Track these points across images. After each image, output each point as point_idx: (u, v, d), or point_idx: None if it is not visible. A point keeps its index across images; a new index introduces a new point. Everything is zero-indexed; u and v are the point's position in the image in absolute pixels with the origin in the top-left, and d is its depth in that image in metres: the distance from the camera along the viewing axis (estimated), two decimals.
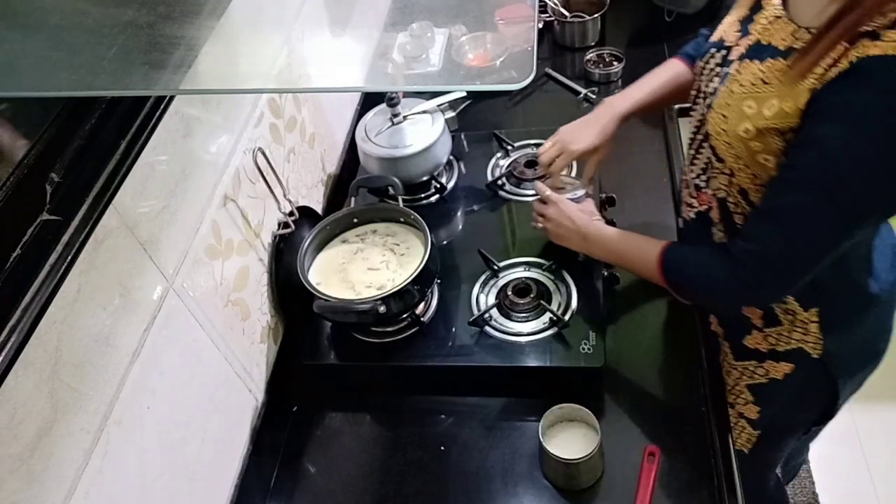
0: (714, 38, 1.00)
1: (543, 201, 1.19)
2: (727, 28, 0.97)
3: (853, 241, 0.85)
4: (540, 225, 1.20)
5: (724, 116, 0.88)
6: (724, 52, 0.95)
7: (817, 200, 0.80)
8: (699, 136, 1.01)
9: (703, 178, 1.01)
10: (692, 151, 1.04)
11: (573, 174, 1.33)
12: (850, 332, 1.03)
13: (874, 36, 0.72)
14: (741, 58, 0.89)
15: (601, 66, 1.72)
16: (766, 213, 0.87)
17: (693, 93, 1.03)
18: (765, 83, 0.83)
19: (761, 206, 0.89)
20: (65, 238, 0.73)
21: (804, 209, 0.82)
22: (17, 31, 0.71)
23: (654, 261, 1.00)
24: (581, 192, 1.21)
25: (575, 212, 1.15)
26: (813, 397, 1.14)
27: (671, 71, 1.20)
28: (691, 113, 1.04)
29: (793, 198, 0.82)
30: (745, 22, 0.92)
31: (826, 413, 1.19)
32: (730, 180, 0.93)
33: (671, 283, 1.00)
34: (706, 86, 0.98)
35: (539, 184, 1.21)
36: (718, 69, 0.95)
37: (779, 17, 0.85)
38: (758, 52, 0.86)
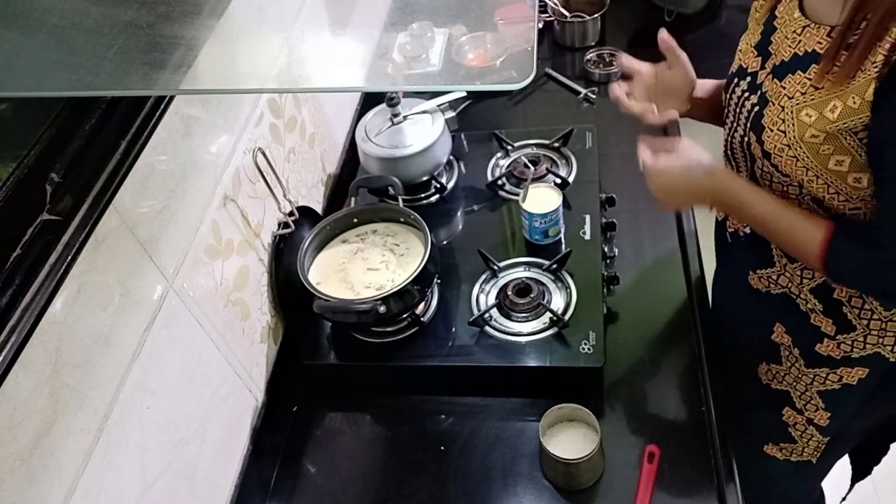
0: (733, 68, 1.00)
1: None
2: (744, 56, 0.98)
3: None
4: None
5: (782, 133, 0.87)
6: (748, 78, 0.95)
7: None
8: (741, 160, 0.99)
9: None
10: (735, 172, 1.02)
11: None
12: None
13: None
14: (776, 76, 0.89)
15: (601, 66, 1.72)
16: None
17: (727, 124, 1.02)
18: (817, 89, 0.83)
19: (890, 209, 0.83)
20: (65, 238, 0.73)
21: None
22: (16, 31, 0.71)
23: (816, 249, 0.88)
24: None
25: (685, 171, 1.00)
26: (886, 401, 1.11)
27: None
28: (725, 144, 1.03)
29: None
30: (763, 46, 0.93)
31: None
32: (800, 191, 0.91)
33: (832, 274, 0.91)
34: (740, 112, 0.97)
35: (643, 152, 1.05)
36: (749, 95, 0.95)
37: (806, 27, 0.86)
38: (797, 64, 0.86)
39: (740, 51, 1.01)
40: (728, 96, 1.01)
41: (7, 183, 0.70)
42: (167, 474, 0.92)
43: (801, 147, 0.85)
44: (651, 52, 1.68)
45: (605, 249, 1.29)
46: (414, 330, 1.22)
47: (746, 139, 0.96)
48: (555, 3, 1.78)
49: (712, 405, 1.09)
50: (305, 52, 0.77)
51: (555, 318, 1.16)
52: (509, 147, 1.51)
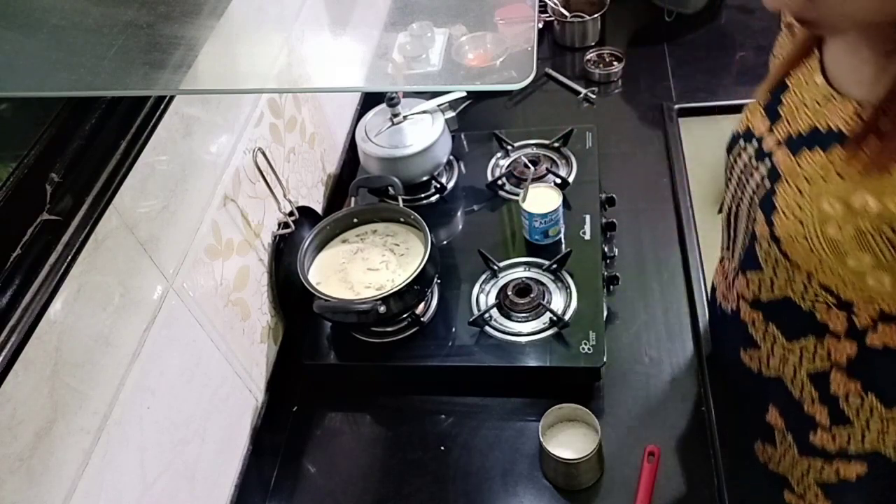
0: (739, 127, 0.89)
1: None
2: (752, 116, 0.86)
3: None
4: None
5: (798, 221, 0.73)
6: (754, 142, 0.83)
7: None
8: (741, 233, 0.89)
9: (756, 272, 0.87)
10: (730, 244, 0.94)
11: None
12: None
13: None
14: (791, 149, 0.76)
15: (601, 66, 1.72)
16: None
17: (728, 189, 0.91)
18: (842, 177, 0.69)
19: None
20: (65, 238, 0.73)
21: None
22: (16, 31, 0.71)
23: None
24: None
25: None
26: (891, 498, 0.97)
27: None
28: (725, 208, 0.94)
29: None
30: (771, 105, 0.82)
31: None
32: (808, 279, 0.79)
33: None
34: (745, 182, 0.85)
35: None
36: (756, 164, 0.82)
37: (831, 97, 0.72)
38: (817, 139, 0.72)
39: (748, 109, 0.88)
40: (731, 159, 0.89)
41: (7, 183, 0.70)
42: (167, 474, 0.92)
43: (819, 240, 0.72)
44: (651, 52, 1.68)
45: (605, 249, 1.29)
46: (414, 330, 1.22)
47: (752, 216, 0.83)
48: (555, 3, 1.78)
49: (712, 405, 1.09)
50: (305, 52, 0.77)
51: (555, 318, 1.16)
52: (509, 147, 1.51)
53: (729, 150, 0.91)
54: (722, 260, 1.02)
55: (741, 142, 0.87)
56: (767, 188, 0.79)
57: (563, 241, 1.30)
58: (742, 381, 0.99)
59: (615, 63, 1.72)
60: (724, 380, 1.12)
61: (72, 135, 0.77)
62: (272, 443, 1.18)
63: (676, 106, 1.61)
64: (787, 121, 0.78)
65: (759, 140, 0.82)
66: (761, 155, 0.81)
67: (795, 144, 0.75)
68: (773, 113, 0.81)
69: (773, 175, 0.78)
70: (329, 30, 0.88)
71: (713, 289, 1.09)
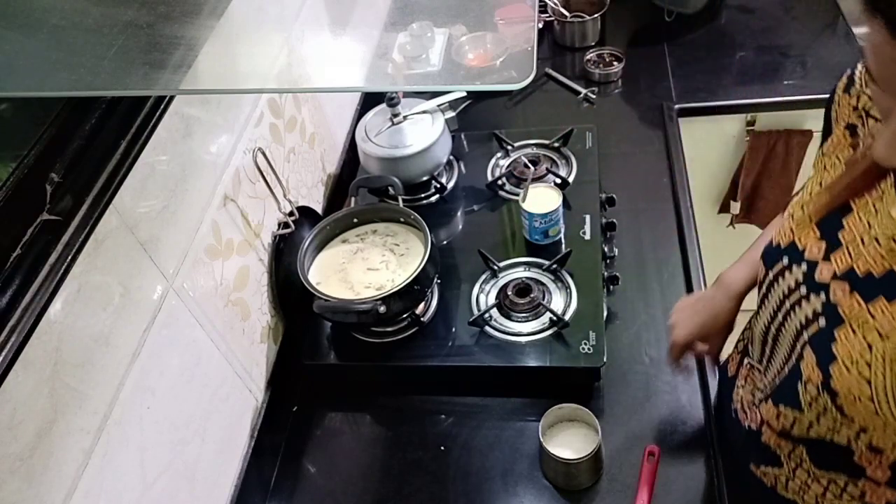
0: (780, 240, 0.75)
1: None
2: (799, 230, 0.72)
3: None
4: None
5: (865, 381, 0.62)
6: (804, 266, 0.70)
7: None
8: (778, 360, 0.78)
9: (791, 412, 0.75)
10: (762, 359, 0.83)
11: None
12: None
13: None
14: (856, 288, 0.64)
15: (601, 66, 1.72)
16: None
17: (763, 309, 0.80)
18: None
19: None
20: (65, 238, 0.73)
21: None
22: (16, 31, 0.71)
23: None
24: None
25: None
26: None
27: None
28: (762, 324, 0.81)
29: None
30: (829, 226, 0.69)
31: None
32: (857, 435, 0.69)
33: None
34: (791, 310, 0.73)
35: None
36: (806, 293, 0.69)
37: None
38: (892, 286, 0.61)
39: (793, 219, 0.73)
40: (770, 276, 0.76)
41: (7, 183, 0.70)
42: (167, 474, 0.92)
43: (890, 406, 0.61)
44: (651, 52, 1.68)
45: (605, 249, 1.29)
46: (414, 330, 1.22)
47: (798, 352, 0.71)
48: (555, 3, 1.78)
49: (712, 405, 1.09)
50: (305, 52, 0.77)
51: (555, 318, 1.16)
52: (509, 147, 1.51)
53: (766, 261, 0.78)
54: (748, 365, 0.89)
55: (784, 259, 0.73)
56: (822, 326, 0.67)
57: (563, 241, 1.30)
58: (753, 488, 0.87)
59: (615, 63, 1.72)
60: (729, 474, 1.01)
61: (72, 135, 0.77)
62: (272, 443, 1.18)
63: (676, 106, 1.61)
64: (849, 251, 0.65)
65: (811, 265, 0.69)
66: (814, 285, 0.69)
67: (865, 286, 0.63)
68: (830, 236, 0.68)
69: (833, 316, 0.66)
70: (329, 30, 0.88)
71: (724, 373, 1.00)
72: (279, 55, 0.70)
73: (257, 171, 1.17)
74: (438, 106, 1.45)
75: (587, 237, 1.29)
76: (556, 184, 1.36)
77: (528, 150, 1.51)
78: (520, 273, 1.27)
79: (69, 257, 0.73)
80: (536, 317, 1.19)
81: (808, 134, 1.69)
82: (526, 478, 1.07)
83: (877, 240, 0.63)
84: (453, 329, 1.21)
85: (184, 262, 0.97)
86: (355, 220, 1.30)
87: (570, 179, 1.41)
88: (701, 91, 1.64)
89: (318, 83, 0.97)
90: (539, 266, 1.27)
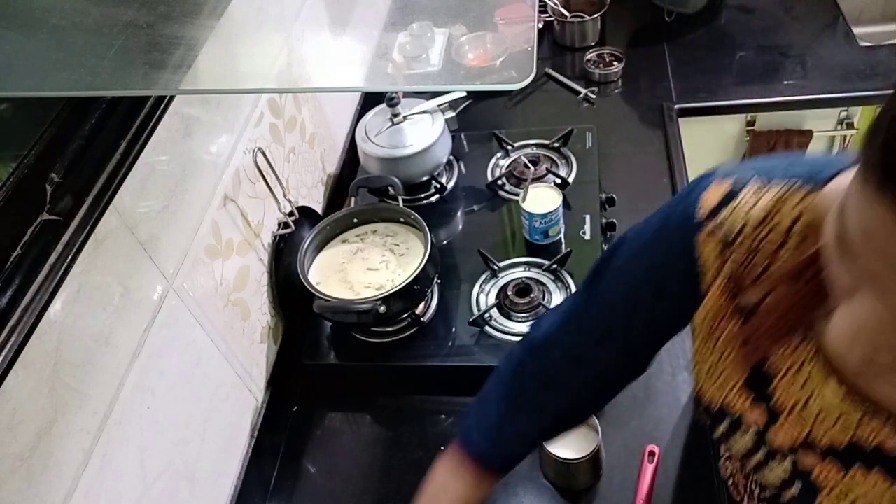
0: (711, 402, 0.68)
1: None
2: (721, 390, 0.66)
3: None
4: None
5: None
6: (752, 433, 0.63)
7: None
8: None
9: None
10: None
11: None
12: None
13: None
14: (841, 462, 0.56)
15: (601, 66, 1.72)
16: None
17: (728, 468, 0.77)
18: None
19: None
20: (65, 238, 0.73)
21: None
22: (16, 31, 0.71)
23: None
24: None
25: None
26: None
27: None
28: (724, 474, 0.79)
29: None
30: (758, 386, 0.61)
31: None
32: None
33: None
34: (751, 469, 0.66)
35: None
36: (768, 462, 0.63)
37: (862, 416, 0.53)
38: (862, 456, 0.55)
39: (715, 382, 0.67)
40: (719, 432, 0.69)
41: (7, 183, 0.70)
42: (167, 474, 0.92)
43: None
44: (651, 52, 1.67)
45: (605, 249, 1.29)
46: (414, 330, 1.22)
47: None
48: (555, 3, 1.78)
49: None
50: (305, 52, 0.76)
51: None
52: (509, 147, 1.51)
53: (711, 429, 0.70)
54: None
55: (724, 423, 0.66)
56: (796, 493, 0.61)
57: (563, 241, 1.30)
58: None
59: (615, 63, 1.72)
60: None
61: (72, 135, 0.77)
62: (272, 443, 1.18)
63: (676, 106, 1.61)
64: (792, 420, 0.58)
65: (759, 434, 0.62)
66: (772, 453, 0.62)
67: (844, 458, 0.56)
68: (764, 395, 0.60)
69: (810, 490, 0.59)
70: (329, 30, 0.88)
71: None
72: (279, 55, 0.70)
73: (257, 171, 1.17)
74: (438, 106, 1.45)
75: (587, 237, 1.29)
76: (556, 184, 1.36)
77: (528, 150, 1.51)
78: (520, 273, 1.27)
79: (69, 257, 0.73)
80: (536, 317, 1.19)
81: (808, 134, 1.69)
82: (526, 478, 1.07)
83: (822, 412, 0.56)
84: (453, 329, 1.21)
85: (184, 262, 0.97)
86: (355, 220, 1.30)
87: (570, 179, 1.41)
88: (701, 91, 1.64)
89: (318, 83, 0.97)
90: (539, 266, 1.27)
